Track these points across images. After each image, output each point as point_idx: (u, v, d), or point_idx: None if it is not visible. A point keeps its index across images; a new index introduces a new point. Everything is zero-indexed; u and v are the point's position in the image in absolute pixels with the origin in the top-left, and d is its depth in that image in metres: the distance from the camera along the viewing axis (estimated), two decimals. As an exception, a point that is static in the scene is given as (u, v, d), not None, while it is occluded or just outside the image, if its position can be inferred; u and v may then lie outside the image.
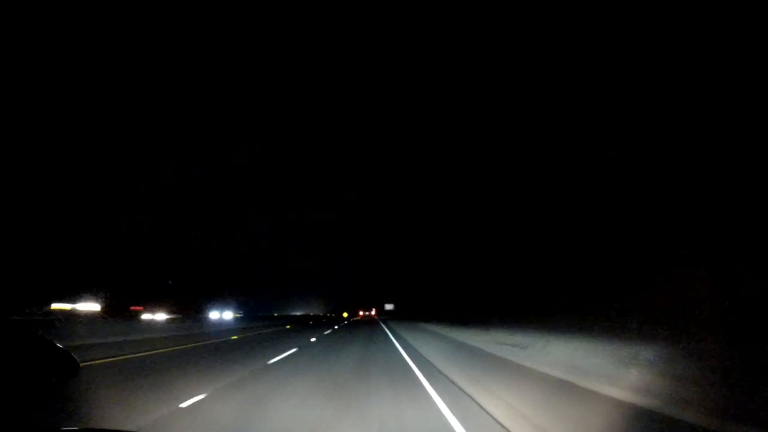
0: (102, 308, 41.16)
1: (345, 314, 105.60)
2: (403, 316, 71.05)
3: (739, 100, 9.99)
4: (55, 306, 33.32)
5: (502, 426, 4.32)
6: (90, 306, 38.68)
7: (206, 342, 16.03)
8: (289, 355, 11.17)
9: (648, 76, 13.98)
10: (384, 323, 43.73)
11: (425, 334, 21.27)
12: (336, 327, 33.89)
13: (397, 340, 17.46)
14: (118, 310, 43.44)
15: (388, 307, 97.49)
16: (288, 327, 33.78)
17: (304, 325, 38.00)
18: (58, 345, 1.12)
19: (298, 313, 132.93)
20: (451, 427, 4.35)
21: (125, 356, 10.28)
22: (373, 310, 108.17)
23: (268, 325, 38.18)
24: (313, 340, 17.86)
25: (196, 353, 11.75)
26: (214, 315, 56.24)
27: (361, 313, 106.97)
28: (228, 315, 58.80)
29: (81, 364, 1.17)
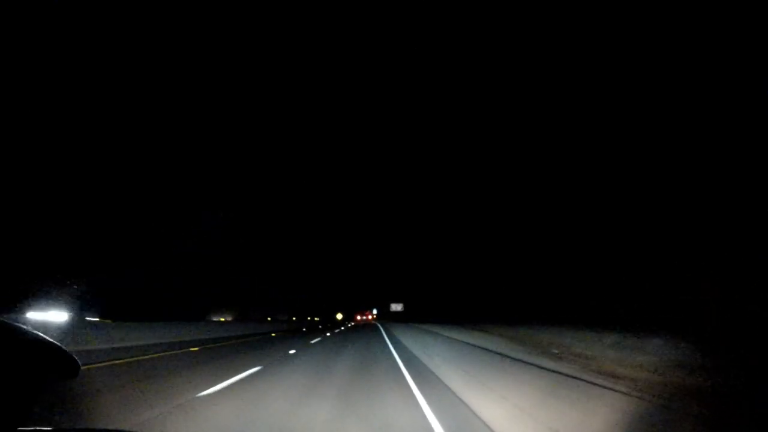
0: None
1: (339, 316, 79.11)
2: (420, 319, 52.66)
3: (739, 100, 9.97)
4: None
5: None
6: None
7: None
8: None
9: (647, 77, 13.96)
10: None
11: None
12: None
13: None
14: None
15: (396, 307, 75.06)
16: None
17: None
18: (59, 344, 1.10)
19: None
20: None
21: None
22: (374, 310, 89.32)
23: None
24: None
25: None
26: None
27: (358, 317, 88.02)
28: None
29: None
